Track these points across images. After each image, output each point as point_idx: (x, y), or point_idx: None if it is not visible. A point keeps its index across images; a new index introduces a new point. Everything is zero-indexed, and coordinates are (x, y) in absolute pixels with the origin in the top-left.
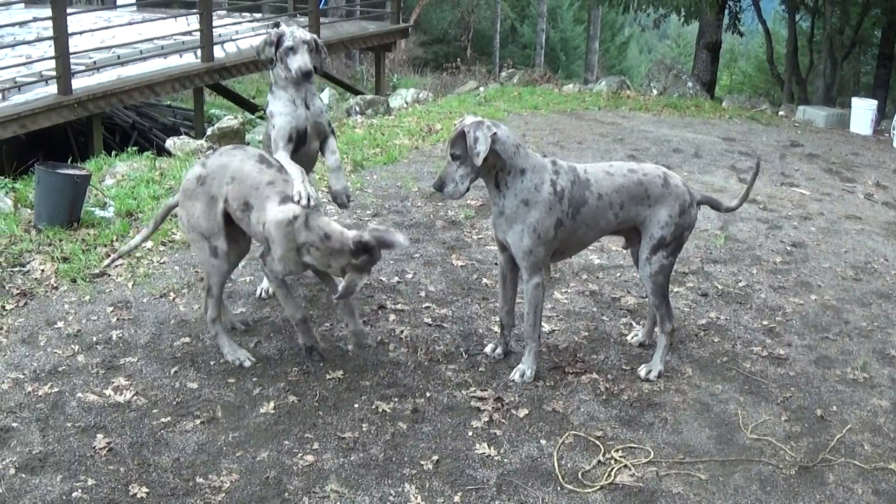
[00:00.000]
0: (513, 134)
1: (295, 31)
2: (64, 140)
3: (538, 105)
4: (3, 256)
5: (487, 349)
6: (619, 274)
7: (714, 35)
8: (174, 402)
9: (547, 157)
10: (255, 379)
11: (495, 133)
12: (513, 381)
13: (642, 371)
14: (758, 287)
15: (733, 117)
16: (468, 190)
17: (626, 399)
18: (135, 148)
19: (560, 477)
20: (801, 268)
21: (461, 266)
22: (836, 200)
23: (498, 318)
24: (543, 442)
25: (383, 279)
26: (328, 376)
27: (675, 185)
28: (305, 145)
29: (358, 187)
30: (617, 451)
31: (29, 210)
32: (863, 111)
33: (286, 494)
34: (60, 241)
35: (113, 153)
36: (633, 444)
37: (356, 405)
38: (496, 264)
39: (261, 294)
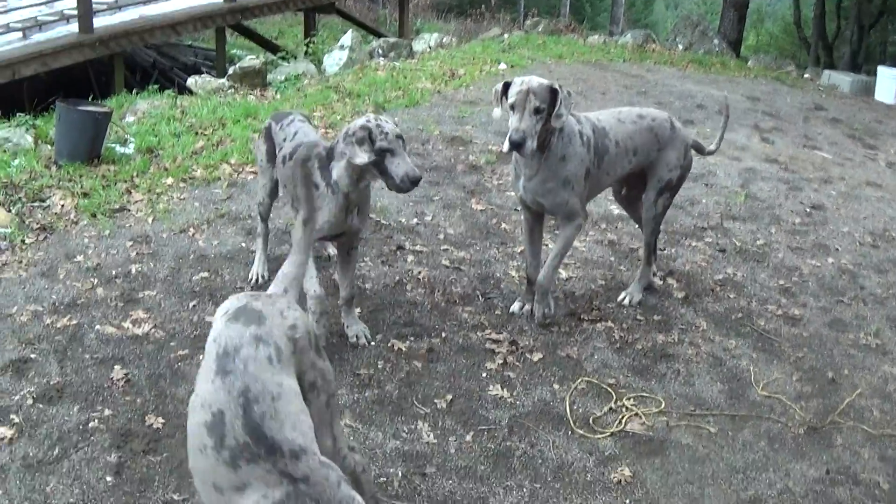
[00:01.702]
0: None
1: (385, 126)
2: (84, 79)
3: (562, 54)
4: (24, 192)
5: (515, 307)
6: (637, 225)
7: None
8: (192, 336)
9: None
10: None
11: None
12: (515, 313)
13: (624, 298)
14: (776, 246)
15: (758, 77)
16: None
17: (640, 349)
18: (155, 86)
19: (571, 422)
20: (820, 230)
21: (480, 210)
22: (857, 166)
23: (524, 273)
24: (556, 386)
25: (402, 220)
26: None
27: (680, 129)
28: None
29: None
30: (629, 399)
31: (49, 146)
32: (888, 79)
33: None
34: (81, 176)
35: (133, 91)
36: (644, 394)
37: (372, 343)
38: (516, 210)
39: None
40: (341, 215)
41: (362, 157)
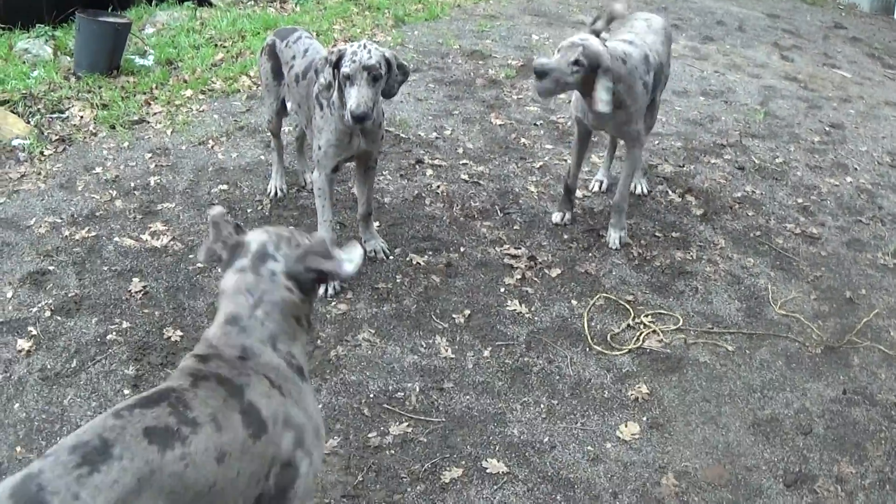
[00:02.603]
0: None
1: (359, 52)
2: None
3: None
4: (43, 103)
5: (556, 217)
6: (657, 142)
7: None
8: None
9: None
10: (291, 227)
11: (613, 88)
12: (614, 246)
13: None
14: (794, 164)
15: None
16: (554, 96)
17: (658, 266)
18: None
19: (589, 338)
20: (839, 149)
21: (500, 125)
22: (876, 86)
23: (542, 188)
24: (574, 303)
25: (422, 134)
26: None
27: None
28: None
29: (399, 42)
30: (646, 316)
31: (69, 58)
32: None
33: (319, 342)
34: (100, 88)
35: (153, 3)
36: (662, 311)
37: (391, 257)
38: (535, 124)
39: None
40: (344, 138)
41: (322, 80)
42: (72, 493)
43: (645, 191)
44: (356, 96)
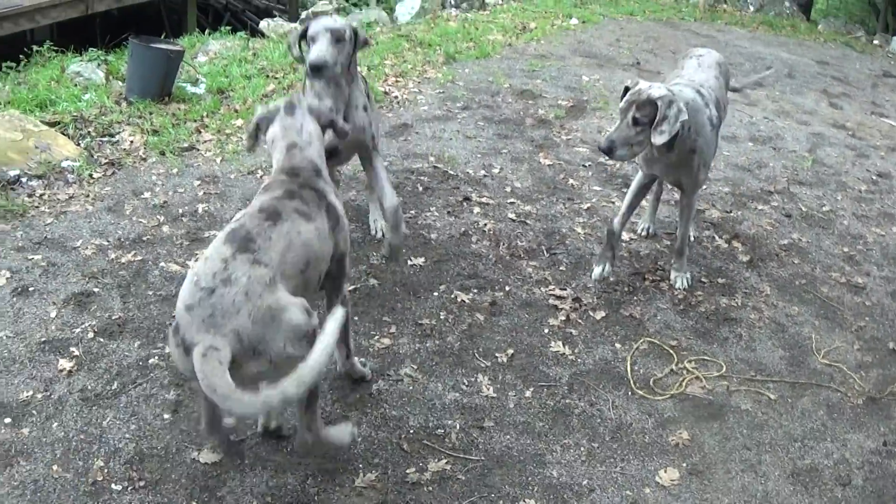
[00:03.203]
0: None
1: (323, 19)
2: (156, 17)
3: (634, 11)
4: (94, 126)
5: (596, 272)
6: (705, 187)
7: None
8: None
9: (683, 81)
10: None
11: (685, 120)
12: (680, 287)
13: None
14: (841, 213)
15: (828, 41)
16: (637, 154)
17: (703, 311)
18: (228, 28)
19: (632, 382)
20: (885, 199)
21: (548, 165)
22: None
23: (590, 230)
24: (618, 346)
25: (470, 171)
26: (410, 262)
27: None
28: (339, 162)
29: (449, 79)
30: (690, 361)
31: (120, 83)
32: None
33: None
34: (151, 114)
35: (206, 32)
36: (706, 357)
37: (435, 293)
38: (584, 166)
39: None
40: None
41: (293, 52)
42: (266, 234)
43: (692, 237)
44: (315, 48)
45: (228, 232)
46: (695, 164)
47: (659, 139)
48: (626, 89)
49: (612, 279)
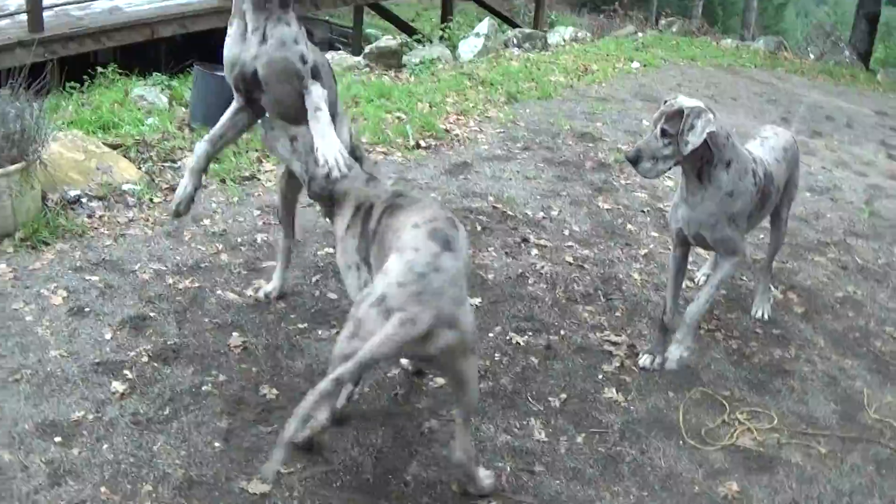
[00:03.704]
0: (725, 124)
1: None
2: (220, 44)
3: (695, 56)
4: (156, 151)
5: (644, 361)
6: (762, 236)
7: (874, 6)
8: (312, 310)
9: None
10: None
11: (714, 131)
12: (670, 367)
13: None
14: None
15: (887, 91)
16: (664, 173)
17: (757, 362)
18: None
19: (683, 431)
20: None
21: (607, 209)
22: None
23: (647, 276)
24: (671, 394)
25: (529, 213)
26: None
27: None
28: (264, 94)
29: (510, 119)
30: (742, 412)
31: (183, 109)
32: None
33: (413, 413)
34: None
35: None
36: (758, 409)
37: (490, 334)
38: (642, 211)
39: None
40: (238, 39)
41: None
42: (457, 239)
43: (766, 316)
44: None
45: (430, 231)
46: (726, 212)
47: (684, 148)
48: (665, 103)
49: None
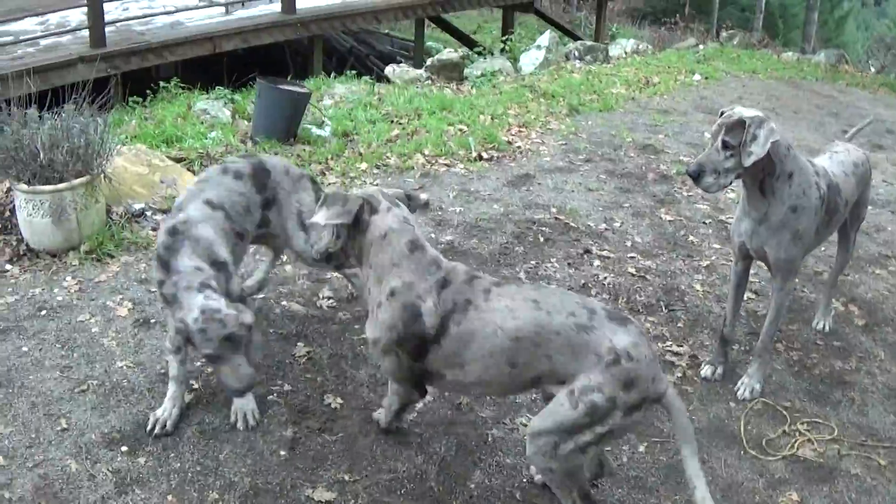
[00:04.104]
0: (785, 134)
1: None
2: (281, 58)
3: (756, 69)
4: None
5: (706, 371)
6: (824, 248)
7: None
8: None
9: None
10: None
11: (777, 140)
12: (742, 398)
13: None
14: None
15: None
16: (725, 188)
17: (818, 374)
18: (353, 72)
19: (744, 441)
20: None
21: (669, 221)
22: None
23: (708, 287)
24: (732, 405)
25: (591, 224)
26: None
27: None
28: None
29: (572, 131)
30: (802, 423)
31: (246, 122)
32: None
33: (477, 422)
34: (276, 153)
35: (331, 75)
36: (818, 420)
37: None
38: (704, 223)
39: None
40: None
41: None
42: (639, 329)
43: (828, 328)
44: None
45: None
46: (790, 228)
47: (747, 160)
48: (722, 114)
49: (718, 374)
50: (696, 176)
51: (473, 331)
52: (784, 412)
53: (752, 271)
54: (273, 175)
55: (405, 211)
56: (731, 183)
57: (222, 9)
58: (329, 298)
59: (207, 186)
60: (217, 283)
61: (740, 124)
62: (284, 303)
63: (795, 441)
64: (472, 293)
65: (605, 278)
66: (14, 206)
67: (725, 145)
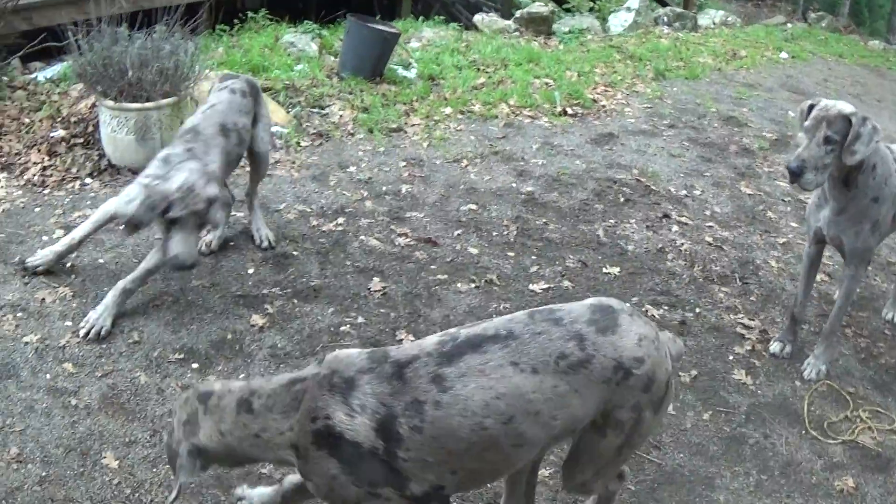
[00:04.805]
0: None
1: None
2: None
3: (842, 53)
4: (304, 96)
5: (774, 348)
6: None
7: None
8: (452, 263)
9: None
10: (533, 258)
11: (879, 141)
12: (809, 378)
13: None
14: None
15: None
16: (822, 185)
17: (884, 363)
18: (441, 18)
19: (807, 421)
20: None
21: (749, 194)
22: None
23: (794, 317)
24: (797, 384)
25: (671, 189)
26: (605, 270)
27: None
28: None
29: (658, 96)
30: (864, 410)
31: (333, 57)
32: None
33: None
34: (361, 91)
35: (420, 18)
36: (880, 409)
37: (627, 303)
38: (783, 200)
39: None
40: None
41: None
42: (628, 312)
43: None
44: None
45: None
46: (870, 218)
47: (851, 159)
48: (811, 107)
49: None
50: (799, 172)
51: (446, 434)
52: (847, 397)
53: (826, 253)
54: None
55: None
56: (825, 178)
57: None
58: (406, 237)
59: None
60: None
61: (844, 120)
62: (363, 237)
63: (856, 427)
64: (414, 392)
65: (683, 244)
66: (98, 121)
67: (827, 140)
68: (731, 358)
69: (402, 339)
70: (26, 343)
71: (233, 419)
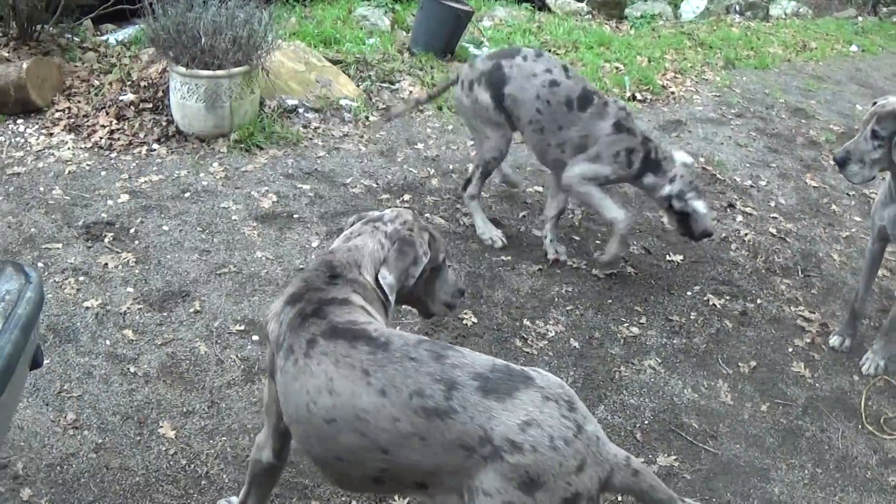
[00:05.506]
0: None
1: None
2: None
3: None
4: (375, 71)
5: (834, 341)
6: None
7: None
8: (515, 244)
9: None
10: (597, 242)
11: None
12: (867, 373)
13: None
14: None
15: None
16: (870, 180)
17: None
18: None
19: (864, 416)
20: None
21: (814, 187)
22: None
23: (854, 312)
24: (855, 378)
25: (737, 179)
26: (668, 258)
27: None
28: None
29: (726, 84)
30: None
31: (405, 33)
32: None
33: (606, 357)
34: (432, 68)
35: None
36: None
37: (689, 293)
38: (847, 194)
39: None
40: None
41: None
42: (546, 393)
43: None
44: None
45: None
46: None
47: None
48: (875, 104)
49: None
50: (843, 163)
51: (287, 393)
52: None
53: (889, 248)
54: None
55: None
56: (874, 176)
57: None
58: (471, 216)
59: None
60: None
61: (893, 115)
62: (428, 215)
63: None
64: (296, 338)
65: (746, 235)
66: (168, 87)
67: (875, 135)
68: (790, 350)
69: (464, 320)
70: (87, 308)
71: None
